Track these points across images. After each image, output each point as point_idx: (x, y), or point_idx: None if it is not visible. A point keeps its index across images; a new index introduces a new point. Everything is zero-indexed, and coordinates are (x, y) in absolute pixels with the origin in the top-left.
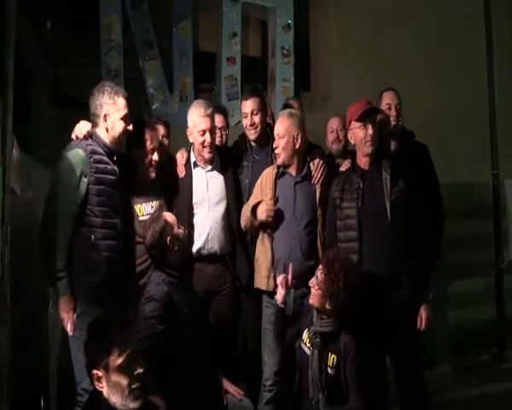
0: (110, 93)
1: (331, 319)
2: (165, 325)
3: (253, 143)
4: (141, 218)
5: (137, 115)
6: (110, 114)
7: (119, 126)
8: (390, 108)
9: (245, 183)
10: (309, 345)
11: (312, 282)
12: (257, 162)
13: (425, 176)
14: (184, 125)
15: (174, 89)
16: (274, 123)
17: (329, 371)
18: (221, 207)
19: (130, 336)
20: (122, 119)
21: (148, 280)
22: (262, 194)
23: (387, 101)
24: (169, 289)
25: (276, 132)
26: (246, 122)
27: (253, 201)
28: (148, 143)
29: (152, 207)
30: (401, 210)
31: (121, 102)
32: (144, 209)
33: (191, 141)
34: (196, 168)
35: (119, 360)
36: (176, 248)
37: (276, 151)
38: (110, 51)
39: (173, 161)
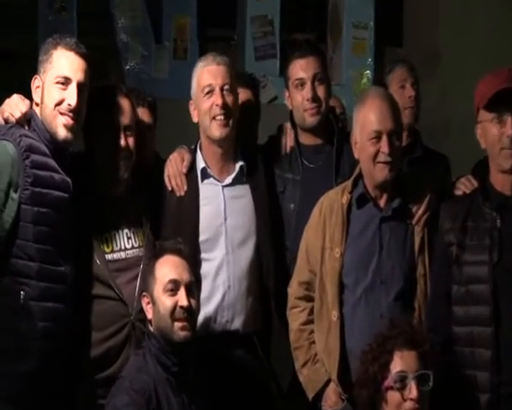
0: (48, 44)
1: None
2: None
3: (303, 140)
4: (109, 256)
5: (100, 79)
6: (41, 77)
7: (48, 97)
8: None
9: (289, 208)
10: None
11: (410, 394)
12: (310, 174)
13: None
14: (181, 101)
15: (163, 37)
16: (342, 106)
17: None
18: (247, 250)
19: None
20: (57, 83)
21: (122, 365)
22: (319, 239)
23: None
24: (155, 386)
25: (378, 126)
26: (301, 96)
27: (302, 269)
28: (118, 117)
29: (129, 237)
30: None
31: (59, 54)
32: (115, 242)
33: (195, 120)
34: (206, 181)
35: None
36: (181, 325)
37: (384, 159)
38: None
39: (162, 165)
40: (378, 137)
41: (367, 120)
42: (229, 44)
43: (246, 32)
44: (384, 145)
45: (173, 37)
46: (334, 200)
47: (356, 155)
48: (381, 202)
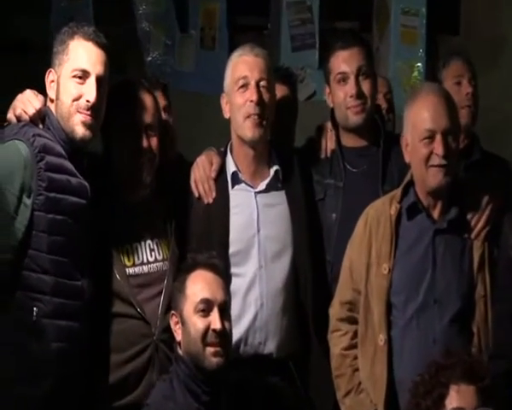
0: (63, 34)
1: None
2: None
3: (345, 142)
4: (130, 270)
5: (118, 73)
6: (56, 70)
7: (64, 92)
8: None
9: (330, 218)
10: None
11: None
12: (353, 179)
13: None
14: (208, 96)
15: (189, 25)
16: (389, 103)
17: None
18: (283, 264)
19: None
20: (74, 77)
21: (144, 392)
22: (364, 254)
23: None
24: None
25: (432, 124)
26: (344, 92)
27: (345, 288)
28: (140, 115)
29: (152, 249)
30: None
31: (76, 45)
32: (137, 254)
33: (227, 115)
34: (237, 187)
35: None
36: (213, 350)
37: (438, 162)
38: None
39: (188, 168)
40: (431, 137)
41: (419, 117)
42: (262, 34)
43: (281, 20)
44: (438, 146)
45: (200, 25)
46: (381, 210)
47: (407, 159)
48: (435, 213)
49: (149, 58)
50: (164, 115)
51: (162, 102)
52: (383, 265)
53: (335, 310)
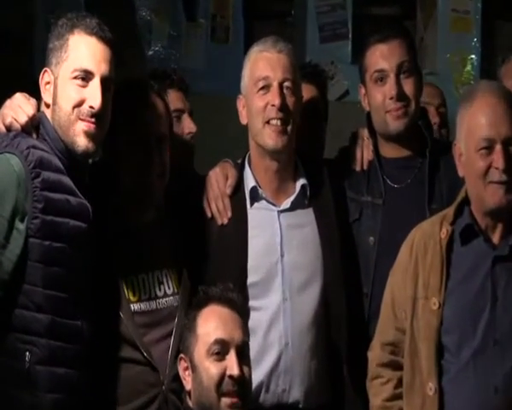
0: (61, 27)
1: None
2: None
3: (385, 153)
4: (135, 307)
5: (121, 71)
6: (53, 70)
7: (63, 97)
8: None
9: (367, 242)
10: None
11: None
12: (394, 196)
13: None
14: (220, 97)
15: (198, 13)
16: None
17: None
18: (311, 297)
19: None
20: (75, 78)
21: None
22: (410, 285)
23: None
24: None
25: (490, 131)
26: (383, 93)
27: (386, 326)
28: (149, 124)
29: (160, 282)
30: None
31: (77, 41)
32: (143, 288)
33: (244, 121)
34: (257, 204)
35: None
36: (230, 401)
37: (498, 178)
38: None
39: (199, 183)
40: (490, 147)
41: (475, 123)
42: (284, 22)
43: (307, 6)
44: (498, 158)
45: (211, 12)
46: (429, 234)
47: (460, 173)
48: (495, 237)
49: (151, 52)
50: (189, 121)
51: (186, 104)
52: (432, 299)
53: (375, 353)
